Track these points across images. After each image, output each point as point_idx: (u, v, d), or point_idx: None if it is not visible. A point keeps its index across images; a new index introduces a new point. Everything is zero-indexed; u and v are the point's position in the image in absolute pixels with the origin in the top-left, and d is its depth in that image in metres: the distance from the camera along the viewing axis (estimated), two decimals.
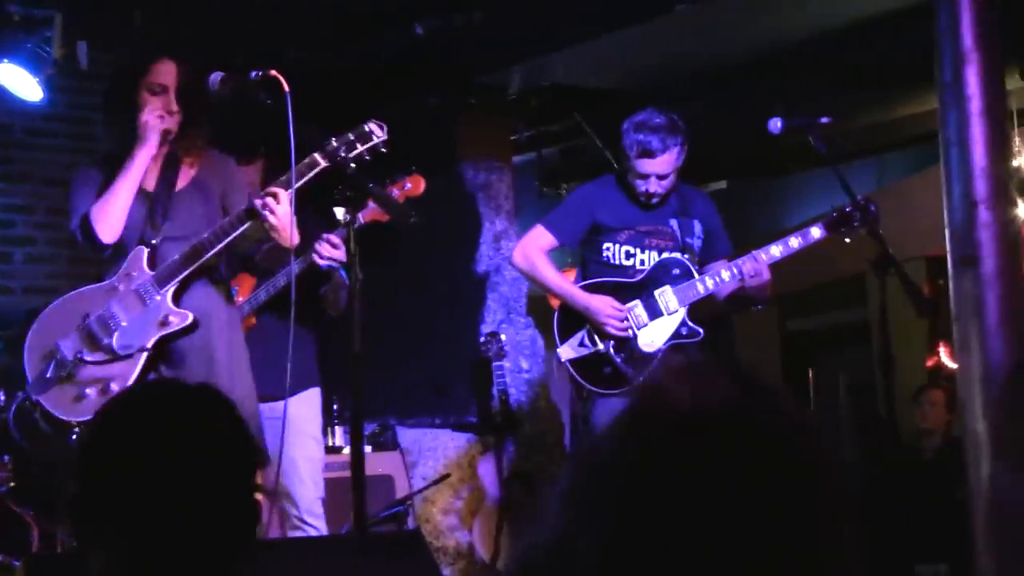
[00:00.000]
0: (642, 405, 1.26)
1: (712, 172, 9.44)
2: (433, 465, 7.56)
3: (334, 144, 4.10)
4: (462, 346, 7.88)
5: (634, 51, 7.74)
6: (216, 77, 4.00)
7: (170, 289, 4.18)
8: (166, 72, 4.25)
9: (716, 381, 1.27)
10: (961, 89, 5.60)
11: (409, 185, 4.81)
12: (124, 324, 4.16)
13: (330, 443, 6.94)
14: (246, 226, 4.12)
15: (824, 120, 5.01)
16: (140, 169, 4.22)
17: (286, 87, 3.77)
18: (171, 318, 4.17)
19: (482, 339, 7.40)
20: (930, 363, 8.32)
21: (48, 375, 4.17)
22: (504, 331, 7.70)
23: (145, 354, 4.14)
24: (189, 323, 4.19)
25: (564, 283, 5.57)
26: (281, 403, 4.20)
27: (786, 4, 6.96)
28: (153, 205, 4.28)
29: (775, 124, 5.04)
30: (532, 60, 7.82)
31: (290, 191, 3.91)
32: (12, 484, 5.77)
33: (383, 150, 4.15)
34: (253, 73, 3.89)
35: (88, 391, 4.16)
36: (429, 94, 8.12)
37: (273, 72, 3.83)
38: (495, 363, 7.24)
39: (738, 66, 7.93)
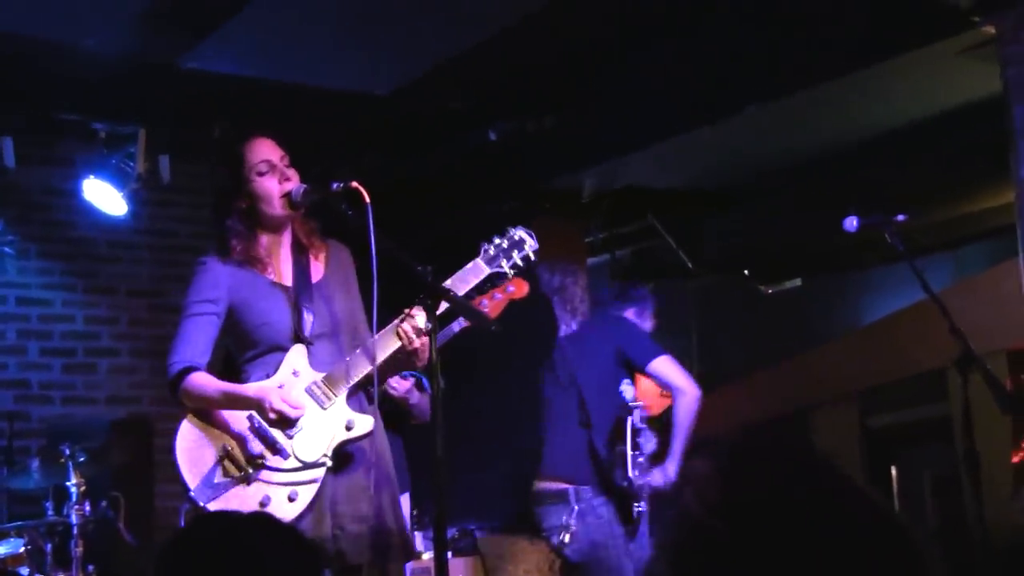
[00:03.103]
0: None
1: (787, 269, 9.42)
2: (512, 571, 7.50)
3: (492, 252, 4.10)
4: (540, 450, 7.84)
5: (705, 151, 7.79)
6: (299, 189, 4.00)
7: (344, 392, 3.97)
8: (264, 148, 4.09)
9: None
10: None
11: (512, 288, 4.79)
12: (304, 428, 3.92)
13: None
14: (398, 347, 3.94)
15: (900, 218, 4.98)
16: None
17: (367, 198, 3.73)
18: (355, 422, 3.97)
19: None
20: (1016, 459, 8.17)
21: (216, 481, 3.88)
22: None
23: (328, 460, 3.91)
24: (371, 429, 4.00)
25: None
26: None
27: (855, 101, 6.99)
28: (297, 300, 4.07)
29: (851, 223, 5.02)
30: (604, 163, 7.89)
31: (373, 308, 3.76)
32: None
33: (533, 258, 4.13)
34: (335, 184, 3.86)
35: (272, 497, 3.87)
36: (503, 199, 8.21)
37: (354, 184, 3.80)
38: None
39: (810, 162, 7.95)
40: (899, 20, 5.93)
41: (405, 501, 5.62)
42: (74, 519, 5.85)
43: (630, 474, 5.74)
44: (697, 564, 1.31)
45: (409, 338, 3.93)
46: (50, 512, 6.07)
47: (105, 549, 6.11)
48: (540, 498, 5.91)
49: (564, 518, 5.73)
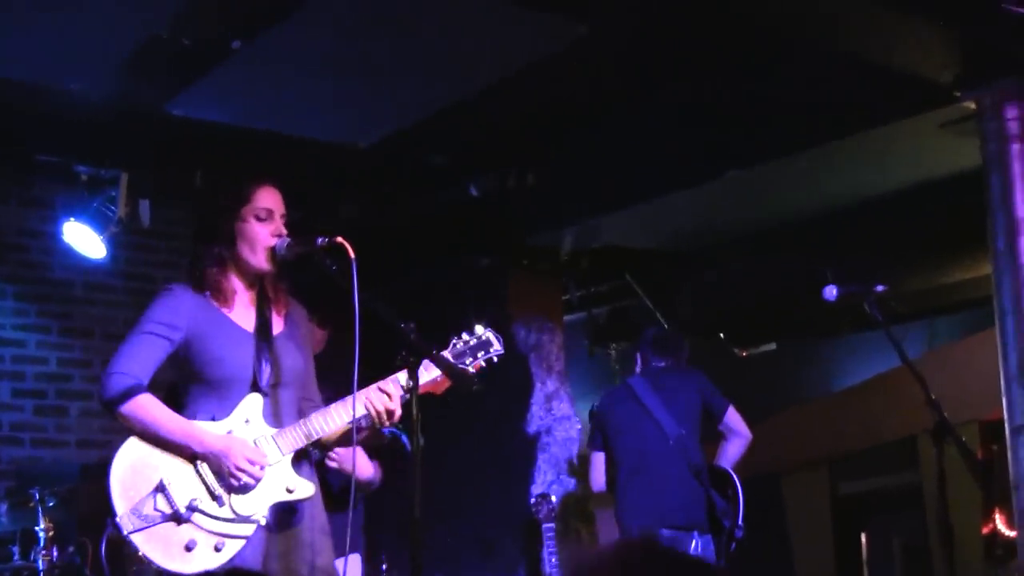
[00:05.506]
0: None
1: (762, 333, 9.45)
2: None
3: (459, 347, 4.14)
4: (512, 507, 7.83)
5: (684, 213, 7.83)
6: (283, 242, 3.99)
7: (291, 454, 3.94)
8: (272, 198, 4.08)
9: None
10: (1015, 258, 5.64)
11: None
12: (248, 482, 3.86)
13: None
14: (362, 417, 3.94)
15: (879, 288, 5.01)
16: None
17: (352, 254, 3.72)
18: (296, 486, 3.94)
19: (532, 500, 7.36)
20: (986, 530, 8.18)
21: (145, 512, 3.75)
22: (554, 492, 7.66)
23: (262, 519, 3.86)
24: (311, 494, 3.98)
25: None
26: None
27: (835, 170, 7.04)
28: (258, 348, 4.02)
29: (830, 292, 5.04)
30: (584, 222, 7.92)
31: (354, 366, 3.75)
32: None
33: (495, 361, 4.19)
34: (320, 239, 3.84)
35: (198, 542, 3.77)
36: (481, 254, 8.23)
37: (340, 239, 3.79)
38: (545, 525, 7.18)
39: (787, 228, 7.99)
40: (882, 92, 5.99)
41: (356, 562, 5.58)
42: (41, 565, 5.79)
43: (739, 521, 6.30)
44: None
45: (381, 419, 3.96)
46: (16, 557, 6.01)
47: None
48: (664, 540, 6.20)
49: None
